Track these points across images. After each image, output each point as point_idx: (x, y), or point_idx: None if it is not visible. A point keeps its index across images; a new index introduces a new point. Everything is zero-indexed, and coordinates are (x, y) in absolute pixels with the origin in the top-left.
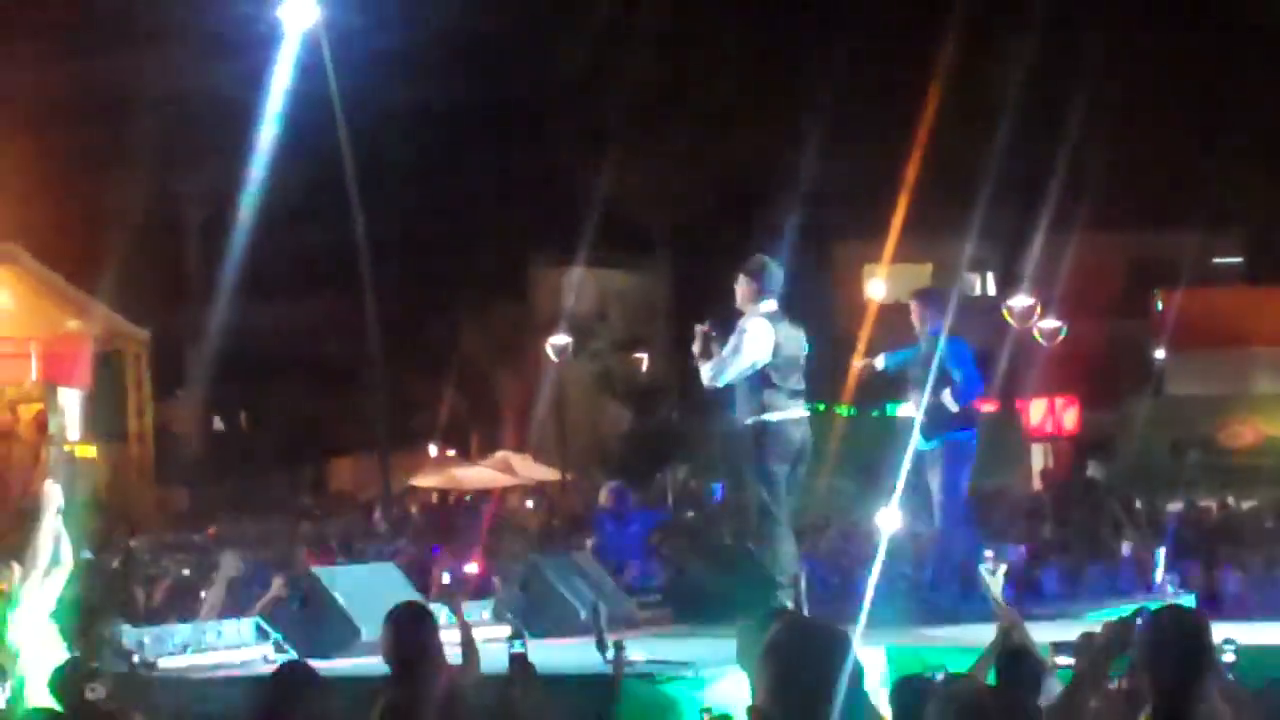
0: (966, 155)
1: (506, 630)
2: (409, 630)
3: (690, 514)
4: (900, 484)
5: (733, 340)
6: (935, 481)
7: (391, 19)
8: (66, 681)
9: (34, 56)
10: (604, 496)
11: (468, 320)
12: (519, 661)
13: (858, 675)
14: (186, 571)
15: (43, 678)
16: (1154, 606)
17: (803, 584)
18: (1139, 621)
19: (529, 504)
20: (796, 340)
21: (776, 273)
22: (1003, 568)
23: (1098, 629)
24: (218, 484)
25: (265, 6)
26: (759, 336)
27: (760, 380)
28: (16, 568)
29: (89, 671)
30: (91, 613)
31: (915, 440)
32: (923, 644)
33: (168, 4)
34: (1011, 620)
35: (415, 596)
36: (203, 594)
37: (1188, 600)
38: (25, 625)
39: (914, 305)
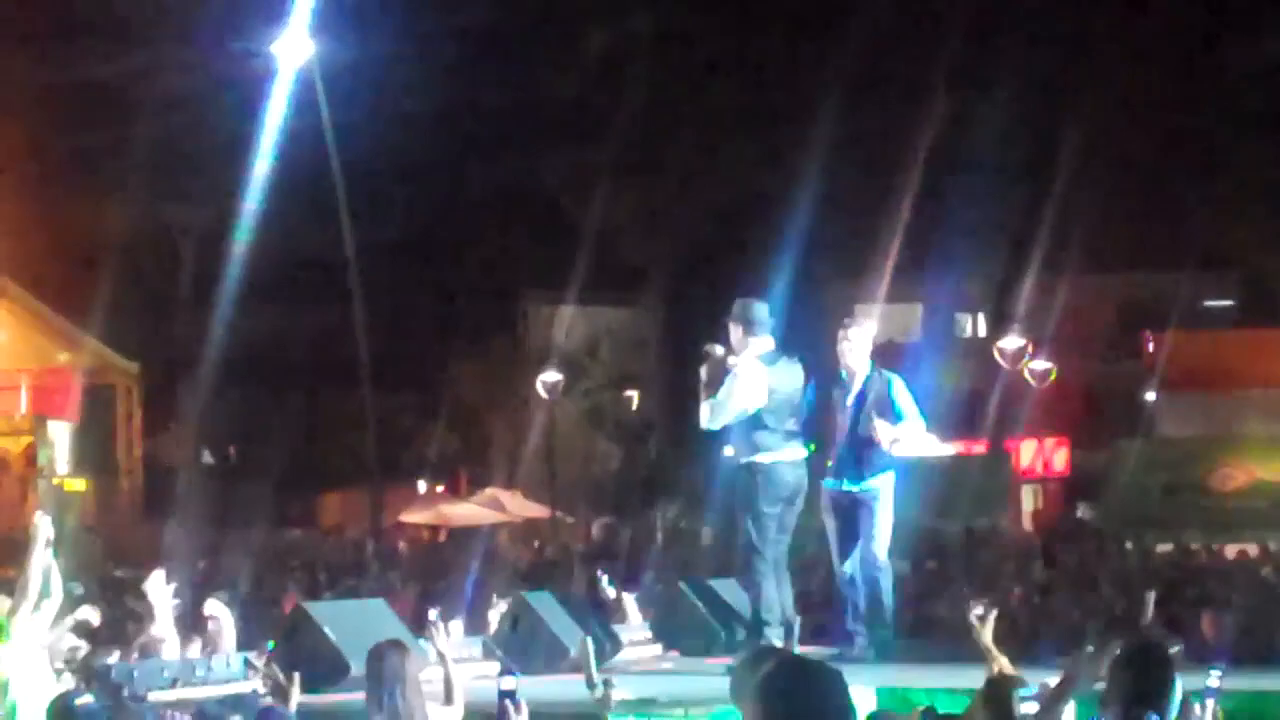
0: (958, 196)
1: (495, 667)
2: (387, 665)
3: (679, 552)
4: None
5: (726, 383)
6: (877, 521)
7: (385, 55)
8: (64, 713)
9: (24, 89)
10: (594, 533)
11: (459, 356)
12: (508, 697)
13: (850, 715)
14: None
15: (33, 709)
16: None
17: (795, 624)
18: (1113, 657)
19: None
20: (792, 380)
21: (760, 311)
22: (993, 613)
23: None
24: (207, 518)
25: (260, 40)
26: (750, 379)
27: (754, 421)
28: (6, 600)
29: (86, 705)
30: (83, 645)
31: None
32: (911, 685)
33: (160, 36)
34: (1001, 665)
35: (405, 632)
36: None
37: (1175, 644)
38: (15, 657)
39: (854, 336)
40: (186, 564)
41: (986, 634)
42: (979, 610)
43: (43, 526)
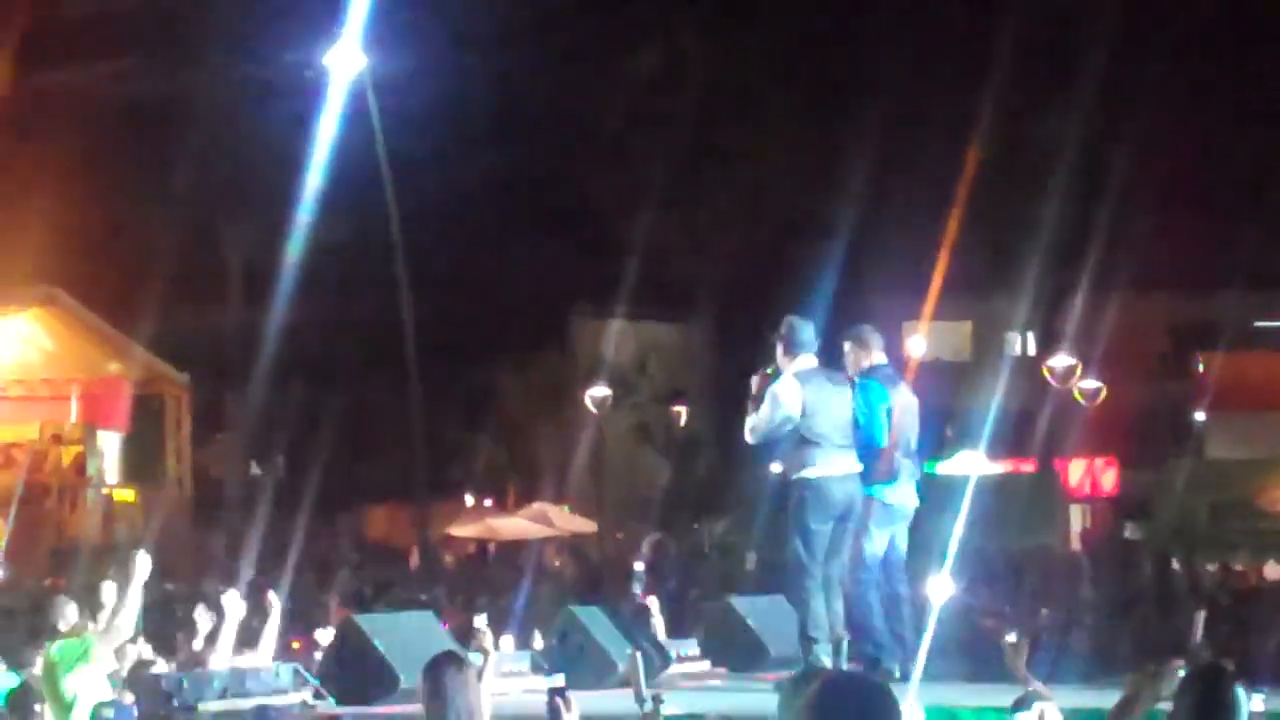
0: (1008, 214)
1: (543, 681)
2: (445, 678)
3: (727, 568)
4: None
5: (764, 399)
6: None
7: (436, 71)
8: None
9: (76, 97)
10: (645, 549)
11: (508, 371)
12: (558, 695)
13: None
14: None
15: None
16: (1188, 670)
17: (845, 642)
18: (1178, 677)
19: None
20: (838, 396)
21: (804, 329)
22: (1026, 641)
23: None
24: (255, 529)
25: (312, 52)
26: (784, 396)
27: (801, 437)
28: (92, 624)
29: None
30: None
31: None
32: (960, 706)
33: (212, 47)
34: (1037, 690)
35: (453, 645)
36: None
37: (1224, 664)
38: (92, 680)
39: (848, 348)
40: (235, 574)
41: (1020, 659)
42: (1011, 637)
43: (142, 564)
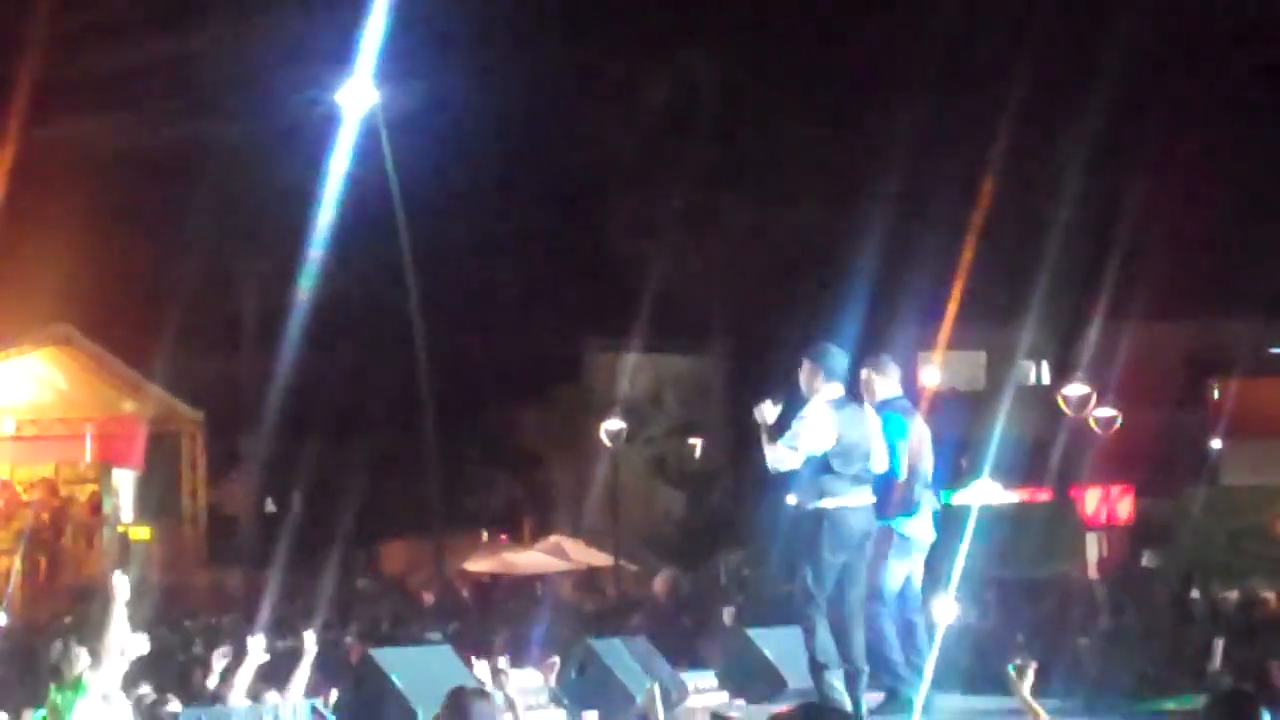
0: (1022, 243)
1: (563, 714)
2: (467, 712)
3: (743, 600)
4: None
5: (793, 426)
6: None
7: (448, 104)
8: None
9: (91, 139)
10: (659, 585)
11: (522, 404)
12: None
13: None
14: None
15: None
16: (1211, 696)
17: (864, 673)
18: (1201, 708)
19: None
20: (862, 426)
21: (839, 357)
22: (1032, 665)
23: None
24: (270, 566)
25: (325, 90)
26: (818, 423)
27: (822, 466)
28: (85, 654)
29: None
30: (151, 694)
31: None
32: None
33: (226, 87)
34: (1040, 716)
35: (471, 678)
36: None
37: (1247, 689)
38: (91, 711)
39: (866, 376)
40: (252, 612)
41: (1025, 687)
42: (1017, 661)
43: (120, 586)
